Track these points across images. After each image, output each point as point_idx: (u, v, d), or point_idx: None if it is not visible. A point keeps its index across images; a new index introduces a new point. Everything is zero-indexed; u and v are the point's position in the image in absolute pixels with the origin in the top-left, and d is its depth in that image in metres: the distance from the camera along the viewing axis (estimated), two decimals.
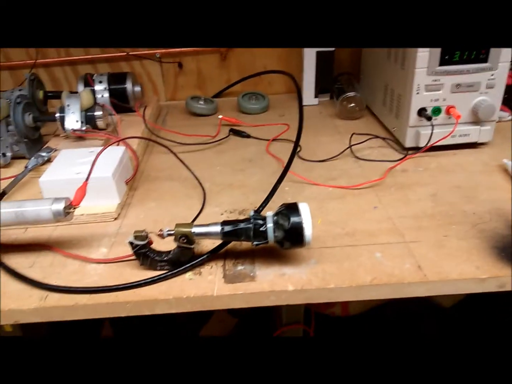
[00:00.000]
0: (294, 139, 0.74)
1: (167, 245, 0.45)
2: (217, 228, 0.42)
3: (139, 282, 0.43)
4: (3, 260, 0.48)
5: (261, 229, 0.42)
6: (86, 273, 0.46)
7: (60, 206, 0.44)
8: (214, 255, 0.46)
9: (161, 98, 0.99)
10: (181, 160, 0.63)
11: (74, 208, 0.45)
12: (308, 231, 0.41)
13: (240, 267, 0.45)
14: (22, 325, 0.65)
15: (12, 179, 0.61)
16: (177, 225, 0.43)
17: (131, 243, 0.44)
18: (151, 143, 0.75)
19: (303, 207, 0.42)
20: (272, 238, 0.42)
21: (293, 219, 0.41)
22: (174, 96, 0.99)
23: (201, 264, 0.46)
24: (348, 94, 0.82)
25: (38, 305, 0.42)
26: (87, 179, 0.48)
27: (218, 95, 0.98)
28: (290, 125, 0.80)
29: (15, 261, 0.48)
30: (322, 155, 0.69)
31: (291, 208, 0.42)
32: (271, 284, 0.43)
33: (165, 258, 0.45)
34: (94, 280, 0.45)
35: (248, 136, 0.78)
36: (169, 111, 0.94)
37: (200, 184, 0.61)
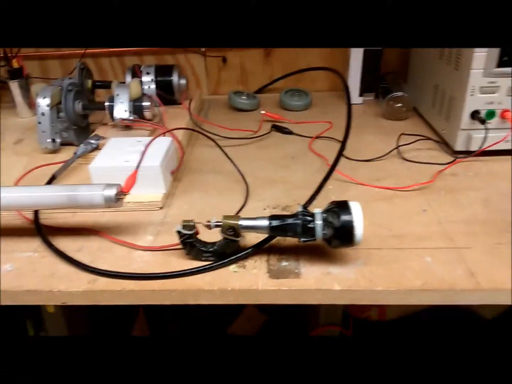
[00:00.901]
0: (337, 137, 0.74)
1: (211, 236, 0.45)
2: (265, 222, 0.42)
3: (185, 271, 0.43)
4: (53, 243, 0.49)
5: (309, 225, 0.41)
6: (133, 259, 0.47)
7: (112, 192, 0.45)
8: (258, 249, 0.46)
9: (204, 92, 1.00)
10: (225, 154, 0.64)
11: (125, 195, 0.46)
12: (359, 231, 0.40)
13: (284, 263, 0.45)
14: (68, 324, 0.67)
15: (62, 164, 0.62)
16: (225, 217, 0.43)
17: (178, 232, 0.44)
18: (194, 135, 0.76)
19: (354, 206, 0.41)
20: (321, 235, 0.41)
21: (344, 217, 0.40)
22: (217, 90, 1.00)
23: (246, 257, 0.45)
24: (395, 93, 0.80)
25: (86, 288, 0.43)
26: (137, 167, 0.49)
27: (260, 90, 0.98)
28: (333, 123, 0.79)
29: (64, 244, 0.49)
30: (367, 155, 0.68)
31: (342, 206, 0.41)
32: (317, 282, 0.42)
33: (210, 249, 0.45)
34: (141, 267, 0.45)
35: (291, 133, 0.77)
36: (211, 105, 0.94)
37: (244, 178, 0.61)
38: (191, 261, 0.46)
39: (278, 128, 0.79)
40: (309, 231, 0.41)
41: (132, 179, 0.47)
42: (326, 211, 0.42)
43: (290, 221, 0.41)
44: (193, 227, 0.44)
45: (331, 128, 0.78)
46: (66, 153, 0.70)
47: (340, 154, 0.54)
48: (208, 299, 0.42)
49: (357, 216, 0.40)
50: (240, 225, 0.42)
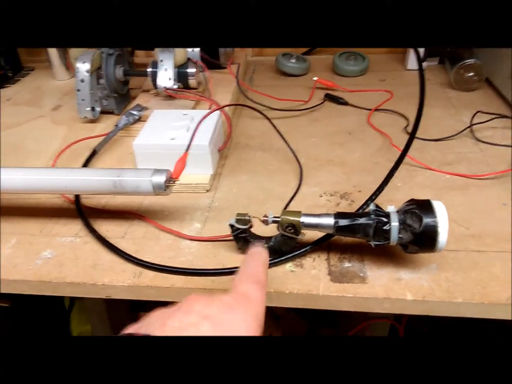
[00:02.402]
0: (399, 110, 0.66)
1: (261, 228, 0.41)
2: (330, 221, 0.37)
3: (237, 268, 0.39)
4: (94, 227, 0.46)
5: (384, 227, 0.36)
6: (180, 250, 0.43)
7: (162, 179, 0.41)
8: (317, 246, 0.41)
9: (248, 53, 0.92)
10: (278, 131, 0.57)
11: (174, 182, 0.42)
12: (443, 237, 0.34)
13: (347, 264, 0.40)
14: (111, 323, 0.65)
15: (103, 137, 0.58)
16: (285, 213, 0.38)
17: (232, 226, 0.40)
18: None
19: (439, 207, 0.35)
20: (396, 239, 0.36)
21: (427, 220, 0.34)
22: (262, 51, 0.92)
23: (303, 255, 0.41)
24: (467, 61, 0.70)
25: (132, 283, 0.40)
26: (187, 149, 0.44)
27: (310, 51, 0.89)
28: (394, 93, 0.71)
29: (106, 228, 0.46)
30: (434, 133, 0.60)
31: (424, 207, 0.35)
32: (386, 289, 0.37)
33: (265, 245, 0.40)
34: (189, 260, 0.42)
35: (346, 104, 0.70)
36: (256, 68, 0.87)
37: (297, 159, 0.56)
38: (242, 255, 0.42)
39: (331, 98, 0.71)
40: (383, 234, 0.36)
41: (181, 164, 0.43)
42: (405, 211, 0.36)
43: (361, 221, 0.36)
44: (248, 221, 0.39)
45: (391, 98, 0.70)
46: (106, 123, 0.66)
47: (412, 137, 0.47)
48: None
49: (442, 220, 0.34)
50: (302, 222, 0.38)
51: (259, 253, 0.32)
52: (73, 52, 0.65)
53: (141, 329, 0.24)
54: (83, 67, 0.62)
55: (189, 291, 0.39)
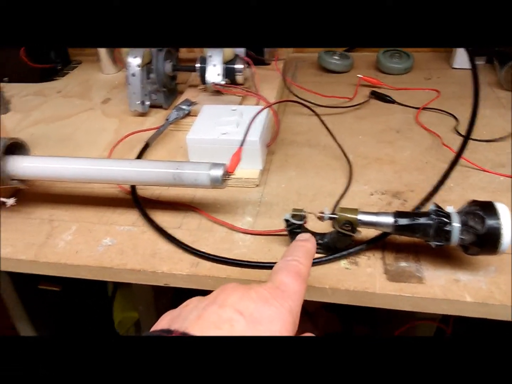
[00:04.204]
0: (447, 109, 0.65)
1: (314, 224, 0.41)
2: (389, 219, 0.37)
3: None
4: (151, 217, 0.47)
5: (445, 228, 0.35)
6: (234, 242, 0.44)
7: (219, 172, 0.42)
8: (372, 244, 0.41)
9: (289, 50, 0.92)
10: (327, 128, 0.58)
11: (229, 176, 0.43)
12: (506, 239, 0.34)
13: (403, 264, 0.40)
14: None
15: (154, 131, 0.60)
16: (342, 210, 0.39)
17: (287, 221, 0.40)
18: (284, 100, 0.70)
19: (502, 209, 0.35)
20: (457, 240, 0.36)
21: (490, 222, 0.34)
22: (303, 48, 0.92)
23: (358, 253, 0.41)
24: None
25: (190, 272, 0.41)
26: (241, 144, 0.45)
27: (352, 48, 0.89)
28: (441, 91, 0.70)
29: (162, 219, 0.48)
30: (485, 133, 0.59)
31: (487, 209, 0.35)
32: (444, 290, 0.37)
33: (319, 242, 0.41)
34: (243, 252, 0.43)
35: (392, 101, 0.70)
36: (298, 65, 0.87)
37: (346, 156, 0.56)
38: None
39: (377, 95, 0.71)
40: (444, 234, 0.36)
41: (237, 158, 0.44)
42: (466, 213, 0.36)
43: (422, 221, 0.36)
44: (303, 217, 0.40)
45: (438, 97, 0.69)
46: (155, 116, 0.68)
47: (467, 138, 0.47)
48: (317, 296, 0.39)
49: (506, 222, 0.34)
50: (359, 220, 0.38)
51: (305, 241, 0.31)
52: None
53: (177, 321, 0.25)
54: (134, 62, 0.64)
55: (246, 282, 0.40)
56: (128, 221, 0.48)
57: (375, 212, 0.38)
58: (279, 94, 0.71)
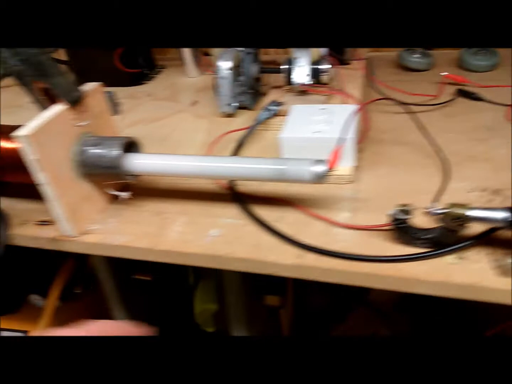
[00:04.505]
0: None
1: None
2: (504, 215, 0.37)
3: (400, 257, 0.41)
4: (251, 211, 0.50)
5: None
6: (333, 236, 0.46)
7: (322, 168, 0.44)
8: (479, 240, 0.42)
9: (366, 49, 0.92)
10: (420, 125, 0.58)
11: (330, 172, 0.45)
12: None
13: None
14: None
15: (245, 130, 0.63)
16: (452, 205, 0.39)
17: (393, 215, 0.41)
18: (366, 99, 0.71)
19: None
20: None
21: None
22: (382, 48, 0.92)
23: (465, 248, 0.42)
24: None
25: (295, 262, 0.43)
26: (341, 142, 0.47)
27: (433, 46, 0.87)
28: None
29: (261, 213, 0.50)
30: None
31: None
32: None
33: (426, 236, 0.42)
34: (343, 246, 0.44)
35: (480, 99, 0.68)
36: (376, 63, 0.87)
37: (439, 153, 0.56)
38: (396, 245, 0.44)
39: (464, 93, 0.70)
40: None
41: (336, 155, 0.46)
42: None
43: None
44: (411, 211, 0.41)
45: None
46: (242, 117, 0.71)
47: None
48: (423, 289, 0.40)
49: None
50: (470, 216, 0.38)
51: None
52: (215, 51, 0.71)
53: None
54: (225, 65, 0.68)
55: (353, 274, 0.42)
56: (229, 214, 0.51)
57: (486, 208, 0.38)
58: (363, 93, 0.72)
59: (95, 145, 0.49)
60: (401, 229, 0.42)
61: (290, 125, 0.57)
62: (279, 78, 0.71)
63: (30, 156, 0.44)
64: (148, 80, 0.92)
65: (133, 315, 0.81)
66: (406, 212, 0.41)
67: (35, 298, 1.16)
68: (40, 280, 1.12)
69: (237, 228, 0.49)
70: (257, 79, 0.72)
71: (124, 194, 0.53)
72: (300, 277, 0.44)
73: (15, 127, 0.53)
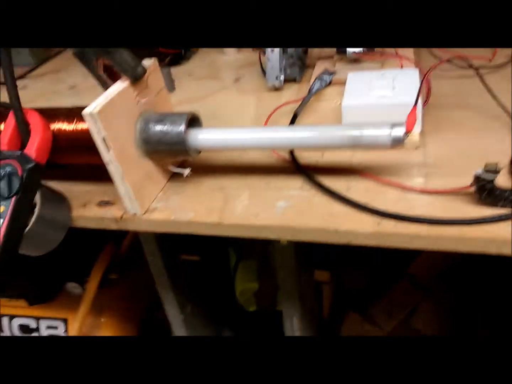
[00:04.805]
0: None
1: None
2: None
3: (487, 218, 0.40)
4: (318, 181, 0.49)
5: None
6: (410, 202, 0.44)
7: (401, 132, 0.42)
8: None
9: None
10: (486, 86, 0.55)
11: (408, 135, 0.43)
12: None
13: None
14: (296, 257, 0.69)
15: (300, 102, 0.62)
16: None
17: (477, 177, 0.40)
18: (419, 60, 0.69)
19: None
20: None
21: None
22: None
23: None
24: None
25: (374, 230, 0.42)
26: (415, 103, 0.45)
27: None
28: None
29: (327, 183, 0.49)
30: None
31: None
32: None
33: (510, 197, 0.40)
34: (423, 211, 0.43)
35: None
36: None
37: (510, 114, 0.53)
38: (478, 207, 0.42)
39: None
40: None
41: (413, 117, 0.44)
42: None
43: None
44: (498, 171, 0.39)
45: None
46: (289, 90, 0.69)
47: None
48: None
49: None
50: None
51: None
52: None
53: None
54: None
55: (438, 239, 0.40)
56: (294, 186, 0.50)
57: None
58: (416, 55, 0.69)
59: (158, 121, 0.49)
60: (486, 190, 0.40)
61: (350, 93, 0.55)
62: (325, 49, 0.69)
63: (98, 134, 0.44)
64: (185, 60, 0.91)
65: (180, 296, 0.81)
66: (493, 171, 0.39)
67: (72, 286, 1.19)
68: (77, 267, 1.14)
69: (305, 199, 0.48)
70: (305, 51, 0.70)
71: (185, 171, 0.52)
72: (379, 245, 0.43)
73: (70, 109, 0.53)
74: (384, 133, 0.42)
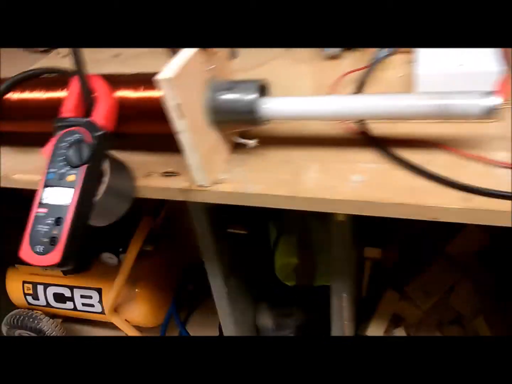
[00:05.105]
0: None
1: None
2: None
3: None
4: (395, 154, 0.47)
5: None
6: (498, 178, 0.42)
7: (494, 101, 0.39)
8: None
9: None
10: None
11: (500, 105, 0.40)
12: None
13: None
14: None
15: (364, 70, 0.59)
16: None
17: None
18: None
19: None
20: None
21: None
22: None
23: None
24: None
25: (464, 206, 0.40)
26: (497, 74, 0.42)
27: None
28: None
29: (405, 156, 0.47)
30: None
31: None
32: None
33: None
34: None
35: None
36: None
37: None
38: None
39: None
40: None
41: (506, 85, 0.41)
42: None
43: None
44: None
45: None
46: (349, 59, 0.66)
47: None
48: None
49: None
50: None
51: None
52: None
53: None
54: None
55: None
56: (368, 159, 0.48)
57: None
58: None
59: (228, 89, 0.47)
60: None
61: (424, 61, 0.52)
62: None
63: (173, 101, 0.42)
64: None
65: (225, 269, 0.81)
66: None
67: (107, 256, 1.19)
68: (112, 238, 1.14)
69: (382, 173, 0.46)
70: None
71: (251, 142, 0.50)
72: (469, 221, 0.41)
73: (134, 76, 0.51)
74: (475, 102, 0.40)
